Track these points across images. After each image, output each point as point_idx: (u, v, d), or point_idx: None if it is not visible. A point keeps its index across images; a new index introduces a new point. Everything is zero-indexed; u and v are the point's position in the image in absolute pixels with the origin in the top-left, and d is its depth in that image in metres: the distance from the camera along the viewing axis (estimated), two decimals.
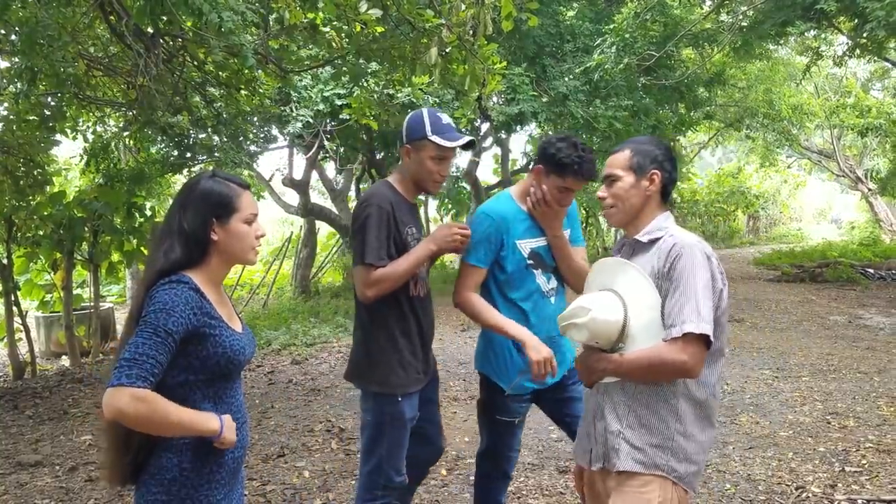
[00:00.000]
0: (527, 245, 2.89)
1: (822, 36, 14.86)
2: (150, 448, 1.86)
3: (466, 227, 2.84)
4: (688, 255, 2.01)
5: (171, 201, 2.01)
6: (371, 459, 2.84)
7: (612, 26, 11.41)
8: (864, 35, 10.21)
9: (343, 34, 5.68)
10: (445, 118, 2.79)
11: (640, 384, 2.09)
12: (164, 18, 4.79)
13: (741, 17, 11.73)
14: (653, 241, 2.14)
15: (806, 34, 14.09)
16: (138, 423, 1.72)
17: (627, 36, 11.16)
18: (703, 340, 1.95)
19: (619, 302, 2.09)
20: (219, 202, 1.92)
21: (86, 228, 7.82)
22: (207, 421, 1.83)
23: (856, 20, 10.38)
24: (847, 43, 12.61)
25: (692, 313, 1.94)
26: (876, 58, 14.49)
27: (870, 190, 24.36)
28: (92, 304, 8.72)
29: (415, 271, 2.78)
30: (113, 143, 8.83)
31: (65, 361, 8.50)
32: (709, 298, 1.98)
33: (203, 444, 1.87)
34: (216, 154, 8.91)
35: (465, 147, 2.83)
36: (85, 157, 8.52)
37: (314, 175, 14.35)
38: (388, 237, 2.72)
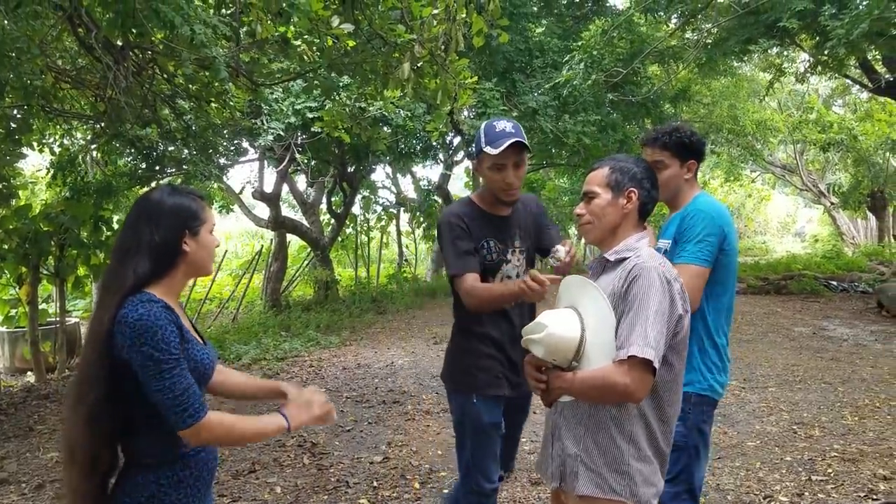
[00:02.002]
0: None
1: (785, 53, 15.20)
2: (116, 468, 1.86)
3: (540, 281, 2.50)
4: (644, 278, 1.98)
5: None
6: (461, 462, 2.96)
7: (580, 43, 11.58)
8: (826, 53, 10.45)
9: (315, 48, 5.70)
10: (501, 125, 2.77)
11: (596, 406, 2.07)
12: (135, 31, 4.76)
13: (706, 34, 11.96)
14: (620, 261, 2.12)
15: (769, 51, 14.40)
16: (223, 443, 1.91)
17: (595, 53, 11.34)
18: (647, 366, 1.91)
19: (577, 320, 2.07)
20: (190, 214, 1.95)
21: (52, 242, 7.69)
22: (275, 427, 1.96)
23: (817, 38, 10.65)
24: (809, 60, 12.90)
25: (639, 337, 1.91)
26: (837, 75, 14.85)
27: (832, 204, 24.88)
28: (58, 319, 8.57)
29: (499, 306, 2.83)
30: (80, 156, 8.73)
31: (30, 377, 8.34)
32: (660, 323, 1.94)
33: (177, 460, 1.87)
34: (185, 167, 8.86)
35: (520, 147, 2.74)
36: (51, 170, 8.41)
37: (285, 188, 14.30)
38: (468, 244, 2.84)
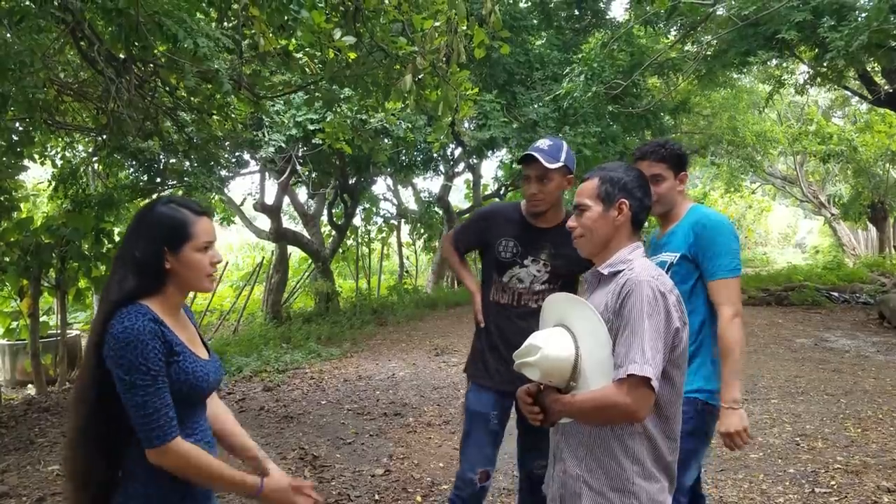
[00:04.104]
0: None
1: (784, 65, 15.25)
2: (114, 481, 1.85)
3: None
4: (637, 293, 1.92)
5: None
6: None
7: (580, 55, 11.63)
8: (825, 64, 10.50)
9: (316, 60, 5.72)
10: (539, 142, 3.02)
11: (597, 426, 2.02)
12: (137, 44, 4.78)
13: (705, 46, 12.01)
14: (613, 275, 2.07)
15: (768, 63, 14.45)
16: (189, 474, 1.82)
17: (595, 65, 11.38)
18: (647, 383, 1.86)
19: (570, 339, 2.00)
20: (171, 230, 1.87)
21: (53, 254, 7.69)
22: (248, 485, 1.90)
23: (816, 49, 10.68)
24: (808, 72, 12.95)
25: (637, 355, 1.86)
26: (836, 86, 14.90)
27: (832, 215, 24.90)
28: (59, 331, 8.56)
29: (459, 277, 3.48)
30: (82, 169, 8.75)
31: (31, 390, 8.33)
32: (657, 339, 1.89)
33: (168, 473, 1.85)
34: (187, 179, 8.87)
35: (530, 159, 2.96)
36: (53, 183, 8.43)
37: (286, 200, 14.32)
38: (472, 232, 3.31)
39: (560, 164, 2.95)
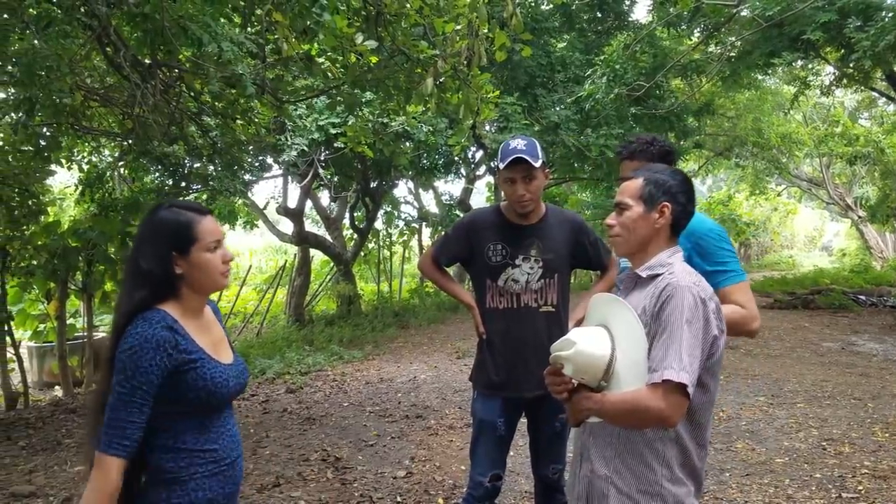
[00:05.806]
0: None
1: (810, 66, 15.09)
2: (136, 488, 1.87)
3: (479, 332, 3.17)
4: (678, 298, 1.90)
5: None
6: None
7: (602, 57, 11.59)
8: (851, 65, 10.38)
9: (339, 65, 5.75)
10: (514, 143, 2.99)
11: (625, 428, 2.00)
12: (163, 49, 4.84)
13: (729, 47, 11.92)
14: (652, 278, 2.04)
15: (793, 64, 14.31)
16: (96, 492, 1.77)
17: (618, 67, 11.34)
18: (682, 390, 1.83)
19: (607, 338, 1.99)
20: (176, 235, 1.86)
21: (80, 258, 7.78)
22: None
23: (842, 50, 10.57)
24: (834, 73, 12.80)
25: (674, 360, 1.83)
26: (863, 87, 14.72)
27: (859, 217, 24.57)
28: (85, 333, 8.67)
29: (448, 292, 3.40)
30: (108, 173, 8.86)
31: (58, 392, 8.43)
32: (695, 346, 1.87)
33: (190, 479, 1.86)
34: (211, 183, 8.94)
35: (517, 162, 2.95)
36: (80, 187, 8.53)
37: (308, 203, 14.40)
38: (455, 243, 3.24)
39: (541, 161, 2.99)
